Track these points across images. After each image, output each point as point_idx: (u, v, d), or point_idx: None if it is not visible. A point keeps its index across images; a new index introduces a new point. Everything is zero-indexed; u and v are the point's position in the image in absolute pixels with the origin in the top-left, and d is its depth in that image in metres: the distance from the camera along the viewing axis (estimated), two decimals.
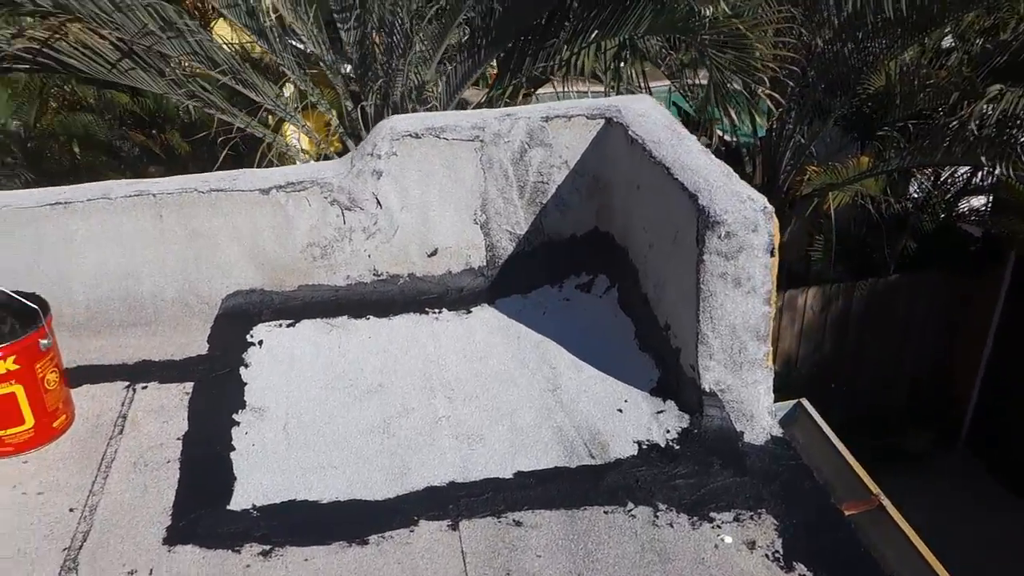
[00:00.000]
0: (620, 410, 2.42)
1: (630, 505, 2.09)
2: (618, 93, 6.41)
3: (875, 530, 2.06)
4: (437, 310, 2.94)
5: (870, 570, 1.90)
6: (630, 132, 2.72)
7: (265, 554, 1.98)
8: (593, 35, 5.38)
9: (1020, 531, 6.56)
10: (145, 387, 2.57)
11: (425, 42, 6.10)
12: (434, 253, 3.00)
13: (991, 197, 7.69)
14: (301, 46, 6.37)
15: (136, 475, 2.23)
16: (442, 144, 2.86)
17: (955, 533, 5.04)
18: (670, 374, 2.49)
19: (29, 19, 5.93)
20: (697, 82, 7.61)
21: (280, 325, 2.86)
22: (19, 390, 2.21)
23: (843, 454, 2.28)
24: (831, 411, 2.90)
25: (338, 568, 1.94)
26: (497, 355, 2.70)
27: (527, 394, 2.51)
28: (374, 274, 2.98)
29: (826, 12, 6.78)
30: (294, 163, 6.48)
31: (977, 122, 5.89)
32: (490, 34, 5.77)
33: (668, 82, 7.70)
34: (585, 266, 3.00)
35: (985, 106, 5.97)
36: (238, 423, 2.41)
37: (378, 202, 2.89)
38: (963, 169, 7.68)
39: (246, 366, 2.66)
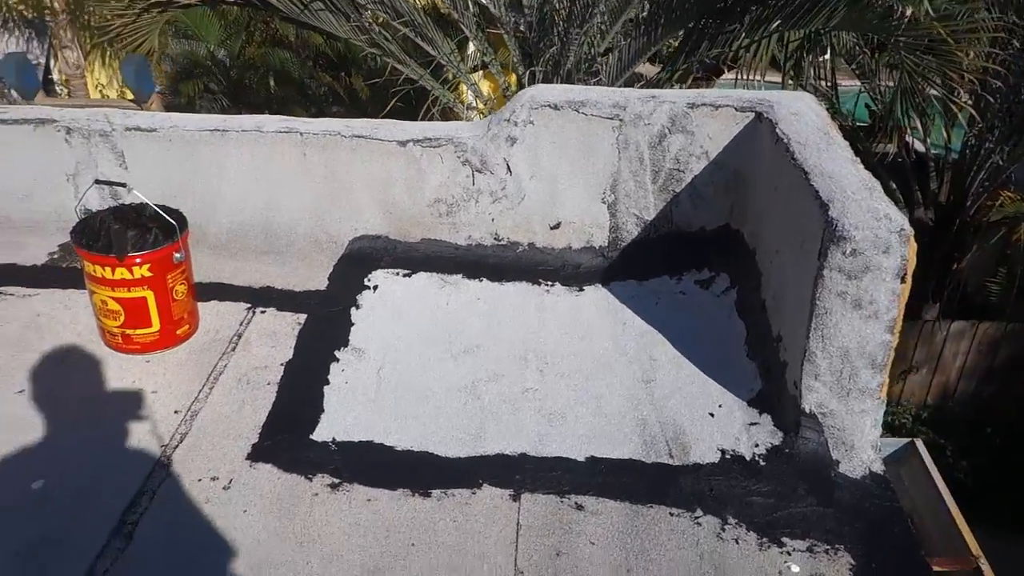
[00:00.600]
0: (711, 415, 2.33)
1: (698, 512, 2.02)
2: (796, 89, 6.08)
3: None
4: (550, 283, 2.92)
5: None
6: (778, 129, 2.57)
7: (333, 487, 2.06)
8: (776, 24, 5.10)
9: None
10: (264, 312, 2.73)
11: (604, 13, 6.02)
12: (557, 226, 2.98)
13: None
14: (482, 4, 6.45)
15: (238, 391, 2.38)
16: (580, 119, 2.82)
17: None
18: (772, 387, 2.36)
19: None
20: (890, 85, 7.10)
21: (397, 274, 2.95)
22: (150, 296, 2.41)
23: (948, 504, 2.08)
24: (976, 457, 2.65)
25: (396, 513, 1.99)
26: (599, 337, 2.66)
27: (619, 381, 2.46)
28: (495, 238, 3.01)
29: None
30: (460, 119, 6.62)
31: None
32: (670, 12, 5.62)
33: (858, 81, 7.22)
34: (708, 262, 2.89)
35: None
36: (337, 360, 2.52)
37: (508, 168, 2.90)
38: None
39: (357, 307, 2.77)
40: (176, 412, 2.29)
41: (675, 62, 5.88)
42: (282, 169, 2.96)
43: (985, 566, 1.95)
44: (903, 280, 2.04)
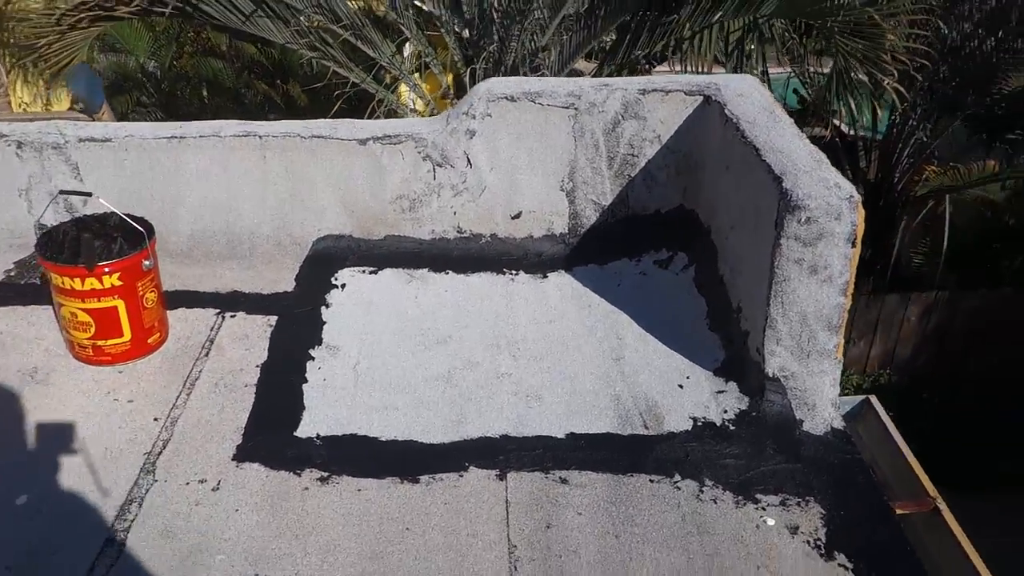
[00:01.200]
0: (680, 386, 2.43)
1: (677, 477, 2.11)
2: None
3: (928, 533, 2.01)
4: (514, 271, 3.00)
5: (913, 569, 1.86)
6: (726, 111, 2.69)
7: (323, 480, 2.10)
8: (717, 15, 5.25)
9: None
10: (233, 316, 2.74)
11: (543, 8, 6.11)
12: (518, 216, 3.05)
13: None
14: (420, 5, 6.48)
15: (216, 395, 2.39)
16: (536, 109, 2.90)
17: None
18: (736, 356, 2.47)
19: None
20: (819, 71, 7.35)
21: (364, 271, 2.98)
22: (120, 305, 2.40)
23: (905, 454, 2.22)
24: (919, 424, 2.81)
25: (387, 501, 2.04)
26: (567, 320, 2.74)
27: (591, 360, 2.54)
28: (458, 231, 3.06)
29: (968, 5, 6.42)
30: None
31: None
32: (609, 4, 5.73)
33: (787, 68, 7.45)
34: (665, 243, 2.99)
35: None
36: (313, 358, 2.55)
37: (469, 161, 2.96)
38: None
39: (327, 306, 2.80)
40: (156, 420, 2.29)
41: (615, 56, 6.00)
42: (242, 173, 2.96)
43: (942, 506, 2.09)
44: (854, 244, 2.16)
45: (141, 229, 2.43)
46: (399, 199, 3.02)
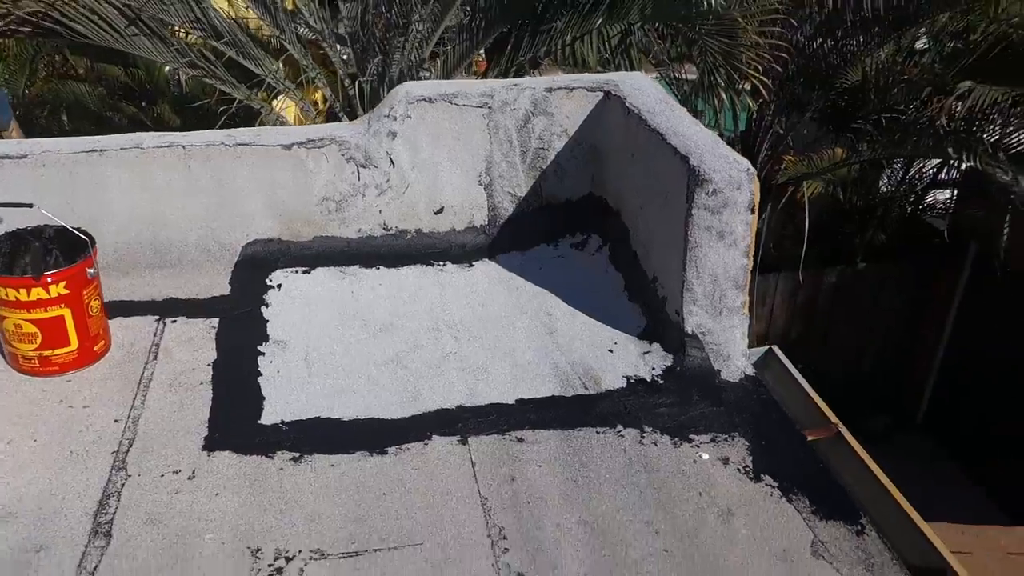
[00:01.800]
0: (611, 351, 2.68)
1: (619, 428, 2.36)
2: None
3: (834, 455, 2.34)
4: (442, 263, 3.18)
5: (826, 481, 2.18)
6: (627, 103, 2.97)
7: (296, 460, 2.22)
8: (598, 22, 5.61)
9: (969, 507, 6.92)
10: (174, 321, 2.79)
11: (424, 21, 6.30)
12: (440, 211, 3.24)
13: (955, 192, 8.06)
14: (301, 21, 6.54)
15: (173, 394, 2.45)
16: (453, 109, 3.10)
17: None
18: (656, 321, 2.75)
19: None
20: (684, 76, 7.91)
21: (296, 272, 3.09)
22: (67, 313, 2.43)
23: (808, 391, 2.56)
24: None
25: (361, 472, 2.18)
26: (498, 303, 2.95)
27: (526, 336, 2.76)
28: (384, 228, 3.22)
29: (808, 8, 7.08)
30: None
31: (946, 117, 6.22)
32: (489, 14, 5.99)
33: (654, 72, 7.97)
34: (579, 227, 3.26)
35: (954, 103, 6.30)
36: (263, 353, 2.64)
37: (391, 161, 3.12)
38: (931, 164, 8.04)
39: (267, 306, 2.89)
40: (116, 421, 2.33)
41: (498, 63, 6.27)
42: (166, 183, 3.00)
43: (844, 431, 2.43)
44: (752, 211, 2.48)
45: (85, 238, 2.47)
46: (325, 201, 3.14)
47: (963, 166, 7.56)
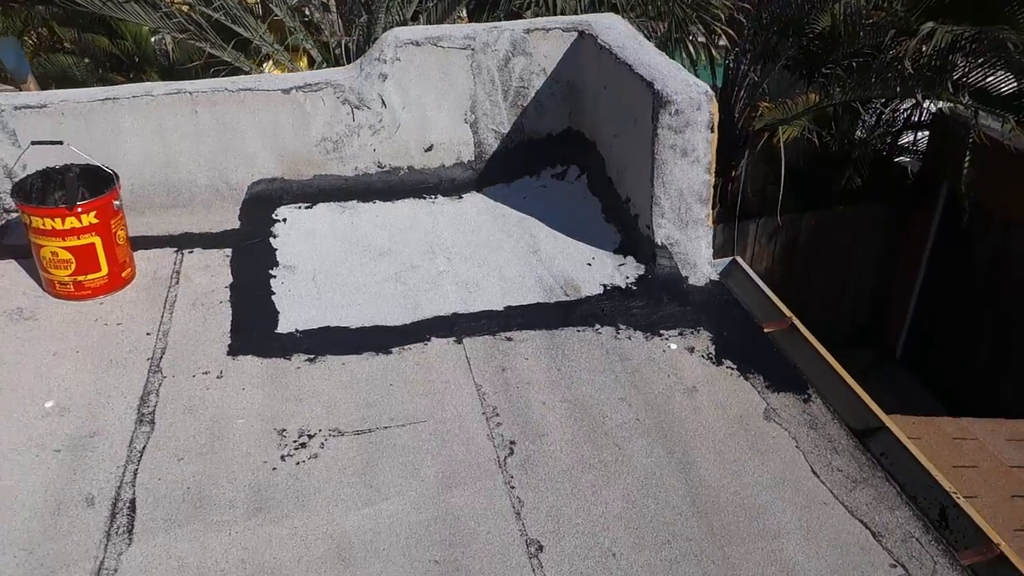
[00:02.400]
0: (589, 264, 2.97)
1: (597, 327, 2.65)
2: None
3: (788, 343, 2.63)
4: (433, 196, 3.45)
5: (781, 365, 2.47)
6: (599, 40, 3.22)
7: (311, 360, 2.50)
8: None
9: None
10: (191, 252, 3.05)
11: None
12: (430, 148, 3.50)
13: (927, 133, 8.33)
14: None
15: (196, 311, 2.73)
16: (439, 51, 3.35)
17: None
18: (630, 237, 3.03)
19: None
20: (659, 33, 8.11)
21: (299, 207, 3.35)
22: (97, 241, 2.69)
23: (767, 293, 2.84)
24: None
25: (369, 369, 2.47)
26: (486, 229, 3.22)
27: (512, 255, 3.04)
28: (378, 166, 3.48)
29: None
30: None
31: (911, 58, 6.46)
32: None
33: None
34: (559, 159, 3.52)
35: (918, 44, 6.55)
36: (274, 276, 2.92)
37: (383, 102, 3.37)
38: (904, 106, 8.29)
39: (274, 236, 3.16)
40: (148, 334, 2.61)
41: (480, 17, 6.48)
42: (176, 128, 3.25)
43: (798, 323, 2.72)
44: (712, 130, 2.75)
45: (110, 172, 2.72)
46: (323, 141, 3.39)
47: (929, 105, 7.85)
